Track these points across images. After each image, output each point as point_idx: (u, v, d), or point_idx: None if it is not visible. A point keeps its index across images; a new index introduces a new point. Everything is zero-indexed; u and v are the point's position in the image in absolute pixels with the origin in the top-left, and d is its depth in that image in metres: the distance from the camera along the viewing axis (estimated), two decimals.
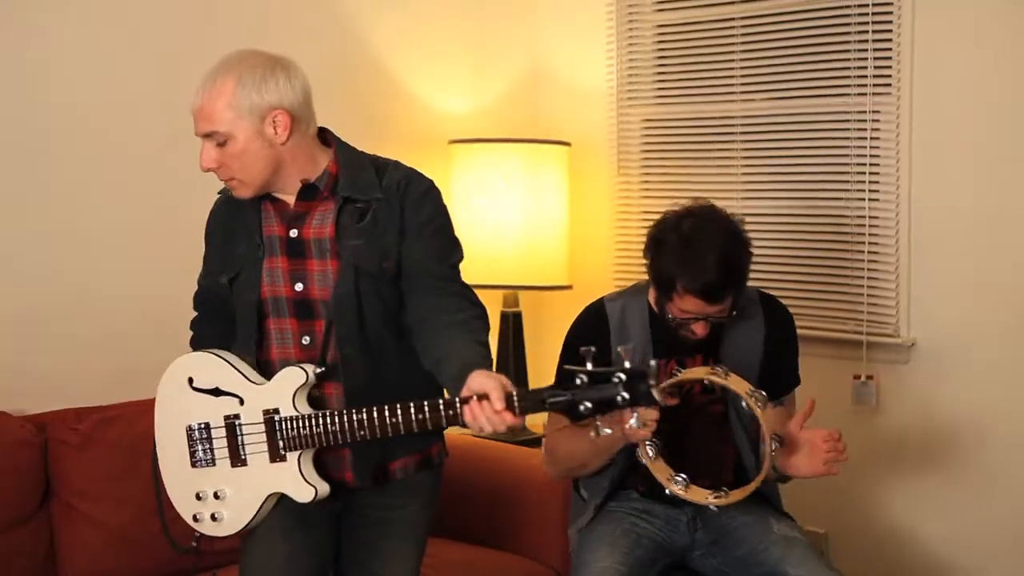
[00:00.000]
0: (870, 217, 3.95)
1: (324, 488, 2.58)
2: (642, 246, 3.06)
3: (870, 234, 3.95)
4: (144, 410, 2.92)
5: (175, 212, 3.09)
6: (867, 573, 3.94)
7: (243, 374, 2.65)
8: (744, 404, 2.91)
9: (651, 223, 3.23)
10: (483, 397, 2.38)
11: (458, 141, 4.35)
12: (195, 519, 2.68)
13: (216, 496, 2.65)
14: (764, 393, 2.88)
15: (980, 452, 3.78)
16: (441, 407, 2.46)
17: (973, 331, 3.78)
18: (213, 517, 2.65)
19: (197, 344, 2.82)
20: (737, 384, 2.91)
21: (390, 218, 2.67)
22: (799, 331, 3.37)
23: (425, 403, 2.47)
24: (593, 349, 2.37)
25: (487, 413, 2.37)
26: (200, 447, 2.66)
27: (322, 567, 2.75)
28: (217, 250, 2.77)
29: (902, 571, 3.96)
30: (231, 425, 2.63)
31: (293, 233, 2.65)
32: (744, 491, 2.95)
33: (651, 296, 3.17)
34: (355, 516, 2.75)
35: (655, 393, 2.30)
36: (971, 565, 3.79)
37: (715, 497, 2.94)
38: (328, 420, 2.55)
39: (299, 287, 2.64)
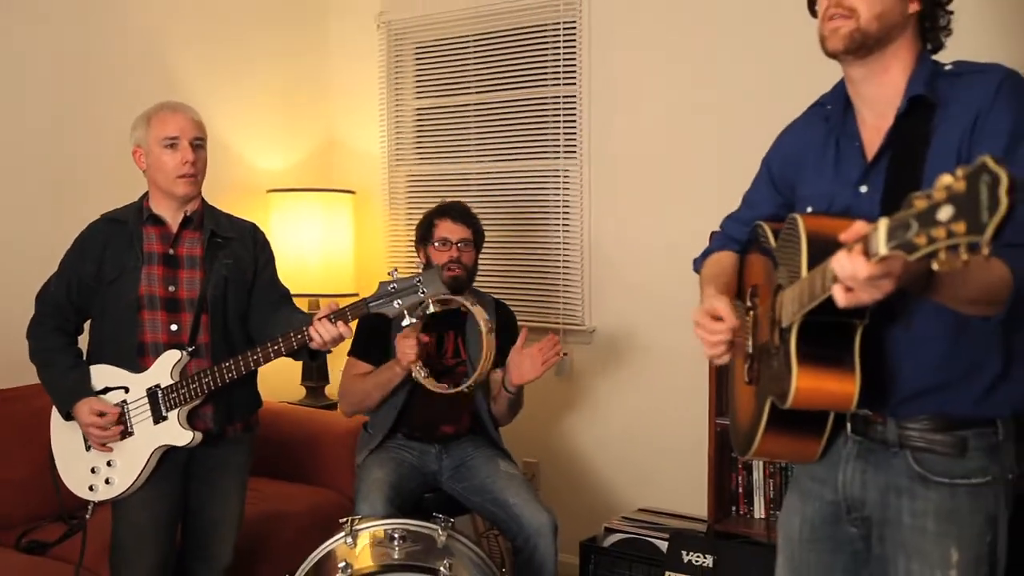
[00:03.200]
0: (564, 243, 4.06)
1: (198, 435, 2.62)
2: (407, 265, 3.18)
3: (564, 255, 4.06)
4: (35, 392, 2.89)
5: (64, 212, 3.01)
6: (568, 489, 4.06)
7: (124, 370, 2.64)
8: (480, 325, 3.02)
9: (412, 250, 3.38)
10: (321, 318, 2.50)
11: (274, 190, 4.36)
12: (91, 489, 2.64)
13: (108, 464, 2.64)
14: (493, 324, 3.03)
15: (639, 401, 3.91)
16: (291, 335, 2.54)
17: (632, 319, 3.92)
18: (107, 481, 2.63)
19: (53, 355, 2.71)
20: (479, 313, 3.04)
21: (246, 251, 2.78)
22: (520, 321, 3.48)
23: (279, 337, 2.55)
24: (397, 269, 2.52)
25: (326, 326, 2.49)
26: None
27: (176, 506, 2.75)
28: (95, 258, 2.67)
29: (592, 486, 4.04)
30: (119, 407, 2.63)
31: (170, 251, 2.67)
32: (464, 385, 3.10)
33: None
34: (199, 467, 2.75)
35: (439, 284, 2.46)
36: (637, 477, 3.91)
37: (450, 388, 3.10)
38: (202, 374, 2.58)
39: (171, 288, 2.65)
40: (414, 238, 3.39)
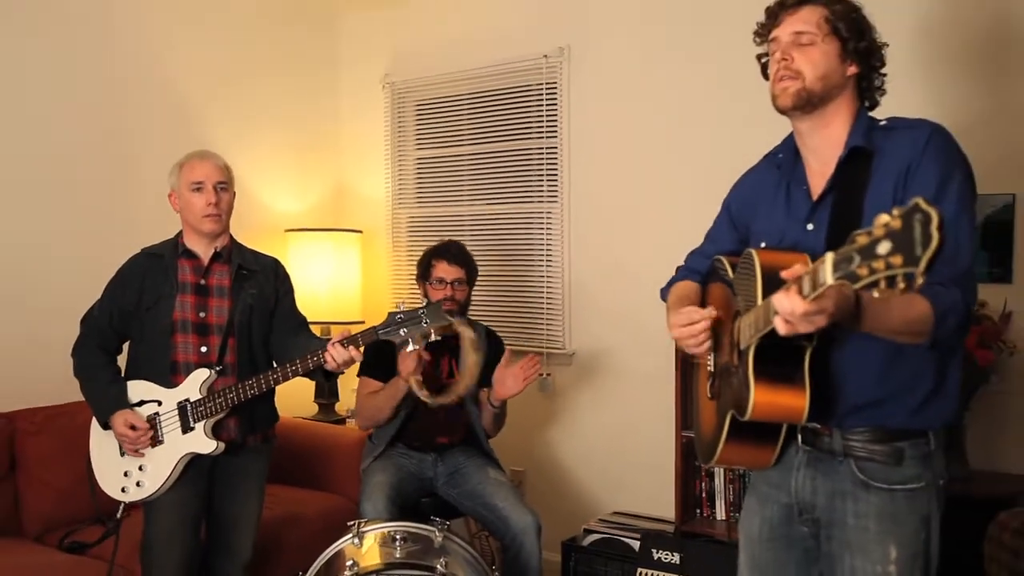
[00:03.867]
0: (547, 277, 4.05)
1: (221, 444, 2.61)
2: (408, 299, 3.14)
3: (547, 286, 4.05)
4: (79, 409, 2.89)
5: (107, 242, 2.94)
6: (551, 494, 4.03)
7: (158, 385, 2.63)
8: (466, 342, 2.85)
9: (414, 282, 3.36)
10: (335, 343, 2.48)
11: (291, 230, 4.34)
12: (123, 491, 2.62)
13: (140, 468, 2.63)
14: (480, 345, 2.93)
15: (613, 416, 3.88)
16: (308, 357, 2.52)
17: (608, 344, 3.90)
18: (138, 484, 2.61)
19: (95, 371, 2.67)
20: (465, 332, 2.88)
21: (269, 283, 2.77)
22: (508, 345, 3.42)
23: (297, 359, 2.53)
24: (404, 302, 2.50)
25: (339, 350, 2.48)
26: None
27: (201, 507, 2.72)
28: (135, 288, 2.66)
29: (572, 492, 4.01)
30: (151, 419, 2.61)
31: (202, 281, 2.68)
32: (448, 395, 2.95)
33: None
34: (222, 472, 2.74)
35: (441, 317, 2.42)
36: (613, 484, 3.88)
37: (430, 397, 2.87)
38: (227, 390, 2.58)
39: (202, 315, 2.65)
40: (415, 273, 3.37)
